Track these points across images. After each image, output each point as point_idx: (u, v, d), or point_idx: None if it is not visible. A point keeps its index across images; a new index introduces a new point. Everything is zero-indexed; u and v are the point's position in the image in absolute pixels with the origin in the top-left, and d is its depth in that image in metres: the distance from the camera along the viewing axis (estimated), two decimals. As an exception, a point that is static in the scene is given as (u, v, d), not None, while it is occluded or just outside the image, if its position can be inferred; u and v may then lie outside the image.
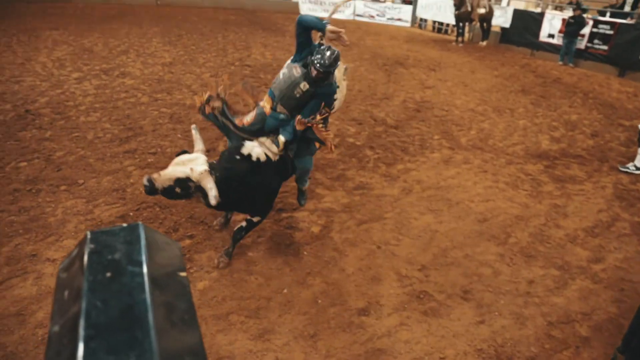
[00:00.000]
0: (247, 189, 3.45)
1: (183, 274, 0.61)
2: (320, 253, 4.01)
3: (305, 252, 4.01)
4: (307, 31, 3.62)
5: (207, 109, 3.73)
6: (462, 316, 3.44)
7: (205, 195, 3.15)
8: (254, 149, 3.59)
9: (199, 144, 3.41)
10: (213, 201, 3.05)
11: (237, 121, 3.76)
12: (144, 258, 0.57)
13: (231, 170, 3.37)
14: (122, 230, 0.61)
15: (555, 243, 4.41)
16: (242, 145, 3.59)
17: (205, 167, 3.13)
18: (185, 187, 3.14)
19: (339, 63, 3.56)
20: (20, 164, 5.46)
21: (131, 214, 4.49)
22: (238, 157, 3.51)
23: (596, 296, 3.75)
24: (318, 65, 3.39)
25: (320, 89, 3.59)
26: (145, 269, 0.55)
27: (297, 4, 18.35)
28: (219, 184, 3.16)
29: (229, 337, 3.13)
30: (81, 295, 0.53)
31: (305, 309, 3.41)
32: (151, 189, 3.12)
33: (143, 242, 0.59)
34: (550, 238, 4.48)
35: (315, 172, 5.41)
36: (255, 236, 4.18)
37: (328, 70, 3.43)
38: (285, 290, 3.57)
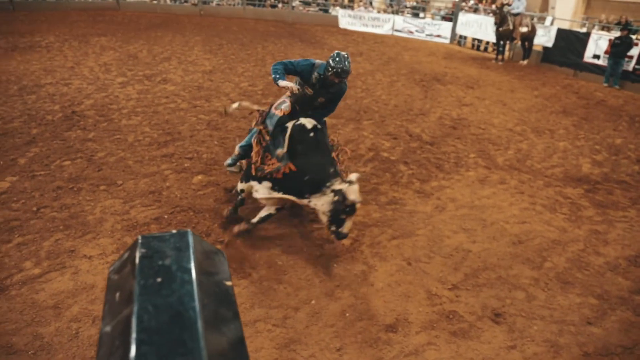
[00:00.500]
0: None
1: (229, 282, 0.61)
2: (350, 266, 3.99)
3: (335, 265, 3.99)
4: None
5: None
6: (493, 339, 3.33)
7: None
8: None
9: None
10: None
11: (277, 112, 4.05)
12: (192, 265, 0.58)
13: None
14: (172, 236, 0.62)
15: (595, 270, 4.24)
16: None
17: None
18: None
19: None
20: (64, 162, 5.69)
21: (166, 216, 4.58)
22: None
23: (638, 329, 3.57)
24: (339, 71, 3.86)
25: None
26: (194, 277, 0.56)
27: (336, 17, 18.52)
28: None
29: (255, 344, 3.14)
30: (133, 298, 0.54)
31: (333, 321, 3.38)
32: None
33: (192, 249, 0.60)
34: (589, 265, 4.31)
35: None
36: (286, 245, 4.20)
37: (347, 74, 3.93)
38: (313, 302, 3.55)
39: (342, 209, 3.54)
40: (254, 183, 3.98)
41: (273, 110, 4.15)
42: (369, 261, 4.07)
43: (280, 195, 3.84)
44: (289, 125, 3.86)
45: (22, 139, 6.29)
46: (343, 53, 3.88)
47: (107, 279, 0.61)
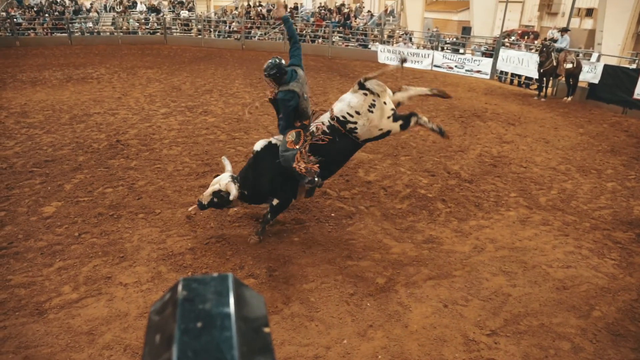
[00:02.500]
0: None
1: (267, 329, 0.62)
2: (384, 306, 3.91)
3: (368, 303, 3.92)
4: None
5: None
6: (536, 394, 3.15)
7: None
8: None
9: (227, 167, 4.80)
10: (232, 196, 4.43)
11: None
12: (232, 311, 0.58)
13: None
14: (213, 279, 0.64)
15: (648, 323, 3.98)
16: None
17: (229, 179, 4.51)
18: (219, 197, 4.50)
19: (272, 72, 4.40)
20: (106, 189, 5.93)
21: (200, 247, 4.66)
22: None
23: (698, 391, 3.30)
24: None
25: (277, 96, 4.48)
26: (233, 323, 0.57)
27: (375, 52, 18.83)
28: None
29: (284, 384, 3.09)
30: (173, 342, 0.55)
31: (364, 364, 3.30)
32: (201, 205, 4.57)
33: (232, 294, 0.61)
34: (642, 317, 4.05)
35: (383, 221, 5.36)
36: (319, 282, 4.17)
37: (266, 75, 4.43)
38: (345, 341, 3.48)
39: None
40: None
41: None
42: (403, 301, 3.98)
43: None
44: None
45: (70, 165, 6.62)
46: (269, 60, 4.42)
47: (148, 319, 0.63)
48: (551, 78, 13.32)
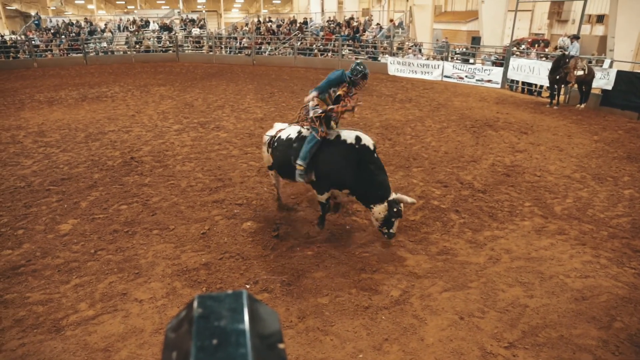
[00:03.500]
0: None
1: (282, 345, 0.62)
2: (399, 319, 3.87)
3: (383, 317, 3.89)
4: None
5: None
6: (557, 408, 3.09)
7: None
8: None
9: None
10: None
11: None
12: (247, 328, 0.60)
13: None
14: (227, 296, 0.65)
15: (672, 334, 3.88)
16: None
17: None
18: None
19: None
20: (121, 206, 6.00)
21: (215, 262, 4.68)
22: None
23: None
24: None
25: None
26: (248, 340, 0.58)
27: (385, 64, 18.91)
28: None
29: (299, 399, 3.07)
30: (189, 359, 0.56)
31: (380, 378, 3.27)
32: None
33: (246, 310, 0.62)
34: (665, 327, 3.95)
35: (397, 233, 5.33)
36: (334, 295, 4.15)
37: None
38: (360, 355, 3.46)
39: (393, 214, 4.70)
40: (335, 192, 5.04)
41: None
42: (419, 314, 3.94)
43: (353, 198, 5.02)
44: (341, 139, 4.84)
45: (85, 183, 6.73)
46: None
47: (165, 337, 0.64)
48: (563, 86, 13.23)
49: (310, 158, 4.78)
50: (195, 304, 0.65)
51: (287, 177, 5.20)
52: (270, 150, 5.34)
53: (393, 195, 4.72)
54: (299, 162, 4.82)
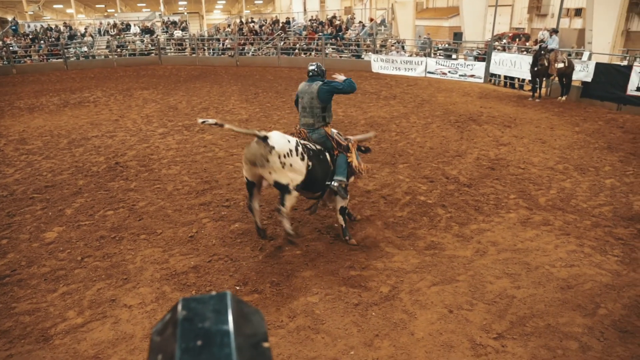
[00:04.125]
0: None
1: (266, 344, 0.63)
2: (389, 314, 3.90)
3: (373, 313, 3.92)
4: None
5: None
6: (546, 396, 3.14)
7: None
8: None
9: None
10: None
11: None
12: (231, 328, 0.60)
13: None
14: (212, 298, 0.66)
15: (655, 319, 3.97)
16: None
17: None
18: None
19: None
20: (107, 212, 5.94)
21: (203, 265, 4.66)
22: None
23: None
24: None
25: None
26: (232, 340, 0.59)
27: (369, 62, 18.97)
28: None
29: (292, 398, 3.07)
30: (174, 361, 0.57)
31: (372, 374, 3.29)
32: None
33: (230, 311, 0.63)
34: (648, 312, 4.04)
35: (385, 230, 5.37)
36: (324, 294, 4.16)
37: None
38: (352, 352, 3.48)
39: None
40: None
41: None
42: (408, 309, 3.97)
43: None
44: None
45: (70, 190, 6.64)
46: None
47: (150, 340, 0.65)
48: (544, 79, 13.42)
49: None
50: (179, 306, 0.65)
51: (313, 191, 4.85)
52: (306, 160, 4.53)
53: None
54: (340, 178, 4.79)
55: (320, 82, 4.89)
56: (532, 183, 6.84)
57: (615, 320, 3.90)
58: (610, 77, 12.45)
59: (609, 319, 3.91)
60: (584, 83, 13.20)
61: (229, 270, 4.56)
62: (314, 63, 5.22)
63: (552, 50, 12.87)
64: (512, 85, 15.80)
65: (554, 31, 13.51)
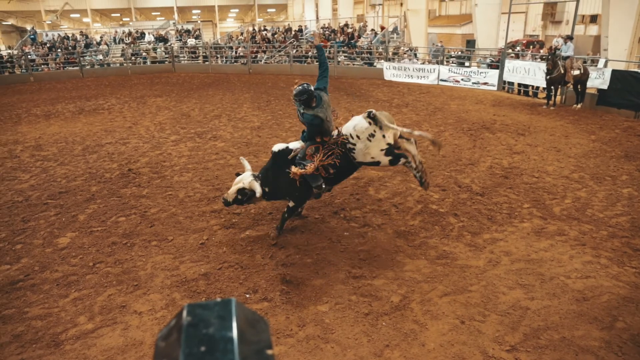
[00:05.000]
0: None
1: (270, 351, 0.64)
2: (400, 324, 3.87)
3: (383, 323, 3.89)
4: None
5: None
6: (560, 410, 3.08)
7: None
8: None
9: (246, 166, 5.24)
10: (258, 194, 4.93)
11: None
12: (235, 335, 0.61)
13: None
14: (217, 304, 0.66)
15: (674, 332, 3.88)
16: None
17: (251, 178, 4.99)
18: (244, 194, 4.96)
19: (302, 97, 4.76)
20: (119, 218, 6.01)
21: (214, 272, 4.68)
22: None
23: None
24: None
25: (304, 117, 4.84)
26: (236, 346, 0.59)
27: (381, 70, 18.99)
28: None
29: (301, 408, 3.06)
30: (178, 367, 0.57)
31: (382, 385, 3.26)
32: (226, 202, 5.00)
33: (235, 318, 0.63)
34: (667, 326, 3.95)
35: (396, 239, 5.35)
36: (333, 302, 4.15)
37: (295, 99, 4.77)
38: (361, 363, 3.45)
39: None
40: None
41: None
42: (419, 319, 3.94)
43: None
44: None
45: (83, 196, 6.74)
46: (299, 85, 4.80)
47: (155, 346, 0.65)
48: (559, 86, 13.29)
49: None
50: (184, 312, 0.66)
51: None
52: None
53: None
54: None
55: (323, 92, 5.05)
56: (546, 192, 6.76)
57: (634, 335, 3.82)
58: (627, 84, 12.29)
59: (628, 333, 3.83)
60: (599, 90, 13.04)
61: (239, 278, 4.57)
62: (301, 90, 4.85)
63: (568, 57, 12.77)
64: (526, 93, 15.68)
65: (569, 38, 13.40)
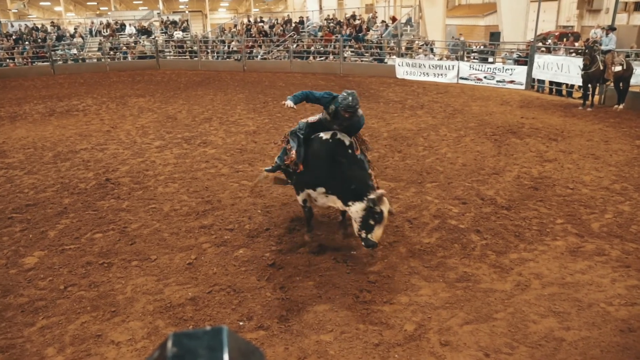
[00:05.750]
0: None
1: (266, 387, 0.64)
2: (415, 357, 3.86)
3: (396, 355, 3.88)
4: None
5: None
6: None
7: None
8: None
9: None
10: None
11: None
12: (226, 368, 0.61)
13: None
14: (206, 334, 0.67)
15: None
16: None
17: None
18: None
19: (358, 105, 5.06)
20: (95, 235, 6.02)
21: (203, 296, 4.68)
22: None
23: None
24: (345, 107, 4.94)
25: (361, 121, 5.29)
26: (227, 381, 0.59)
27: (393, 67, 19.10)
28: None
29: None
30: (162, 404, 0.58)
31: None
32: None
33: (226, 349, 0.64)
34: None
35: (410, 259, 5.34)
36: (339, 331, 4.14)
37: (354, 109, 4.99)
38: (370, 402, 3.43)
39: (372, 215, 4.74)
40: (309, 190, 5.32)
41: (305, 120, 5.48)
42: (437, 351, 3.92)
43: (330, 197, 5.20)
44: (318, 135, 5.26)
45: (54, 209, 6.76)
46: (350, 91, 5.00)
47: (136, 381, 0.66)
48: (597, 84, 13.29)
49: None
50: (169, 342, 0.66)
51: None
52: None
53: (374, 194, 4.75)
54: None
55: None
56: (583, 205, 6.75)
57: (684, 370, 3.79)
58: (676, 83, 12.30)
59: (678, 368, 3.80)
60: (644, 89, 13.06)
61: (231, 303, 4.57)
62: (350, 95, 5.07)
63: (609, 51, 12.77)
64: (559, 92, 15.72)
65: (610, 29, 13.37)
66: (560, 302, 4.59)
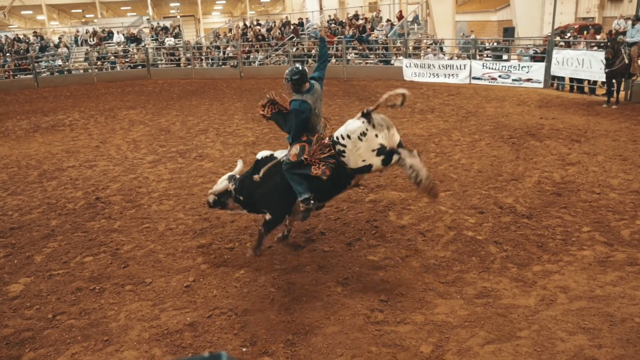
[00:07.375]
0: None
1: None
2: (433, 382, 3.83)
3: (412, 380, 3.86)
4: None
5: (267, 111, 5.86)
6: None
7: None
8: None
9: (237, 169, 5.93)
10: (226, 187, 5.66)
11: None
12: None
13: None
14: (202, 360, 0.68)
15: None
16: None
17: (227, 177, 5.75)
18: (219, 195, 5.72)
19: (295, 77, 5.15)
20: (85, 258, 6.05)
21: (202, 321, 4.68)
22: None
23: None
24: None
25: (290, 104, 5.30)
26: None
27: (400, 68, 19.17)
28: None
29: None
30: None
31: None
32: (208, 204, 5.89)
33: (224, 375, 0.65)
34: None
35: (424, 274, 5.33)
36: (349, 355, 4.13)
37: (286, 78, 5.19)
38: None
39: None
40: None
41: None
42: (457, 374, 3.90)
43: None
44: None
45: (40, 232, 6.80)
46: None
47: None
48: (623, 79, 13.27)
49: None
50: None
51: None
52: None
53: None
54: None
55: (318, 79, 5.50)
56: (611, 211, 6.72)
57: None
58: None
59: None
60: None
61: (233, 328, 4.57)
62: (294, 70, 5.28)
63: (634, 43, 12.74)
64: (581, 90, 15.72)
65: (637, 19, 13.35)
66: (590, 318, 4.56)
